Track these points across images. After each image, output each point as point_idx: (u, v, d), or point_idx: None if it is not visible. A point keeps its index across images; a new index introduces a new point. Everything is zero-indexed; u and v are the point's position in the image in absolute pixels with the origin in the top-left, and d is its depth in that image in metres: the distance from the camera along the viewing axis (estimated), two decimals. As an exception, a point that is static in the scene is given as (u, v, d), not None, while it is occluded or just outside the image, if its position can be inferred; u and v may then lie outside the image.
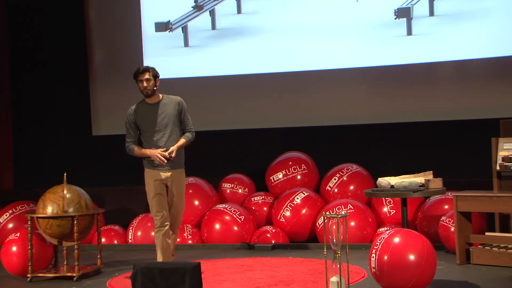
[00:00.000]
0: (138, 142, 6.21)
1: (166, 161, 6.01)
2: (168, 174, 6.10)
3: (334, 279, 4.71)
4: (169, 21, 8.94)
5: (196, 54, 8.91)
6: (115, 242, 8.13)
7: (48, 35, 9.48)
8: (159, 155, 5.99)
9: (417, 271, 4.91)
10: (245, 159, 8.80)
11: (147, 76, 6.04)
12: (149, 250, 7.39)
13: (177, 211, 6.21)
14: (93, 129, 9.36)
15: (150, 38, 9.05)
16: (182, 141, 6.12)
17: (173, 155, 6.00)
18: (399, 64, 8.26)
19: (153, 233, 6.31)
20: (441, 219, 6.87)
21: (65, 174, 6.38)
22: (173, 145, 6.06)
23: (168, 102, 6.15)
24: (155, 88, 6.10)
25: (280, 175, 8.19)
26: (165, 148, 6.05)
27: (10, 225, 8.25)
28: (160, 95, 6.18)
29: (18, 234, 6.54)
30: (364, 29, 8.36)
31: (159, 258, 6.14)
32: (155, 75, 6.10)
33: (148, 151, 6.06)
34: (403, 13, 8.16)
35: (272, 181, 8.25)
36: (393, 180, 6.28)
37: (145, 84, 6.05)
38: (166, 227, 6.10)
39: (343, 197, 7.81)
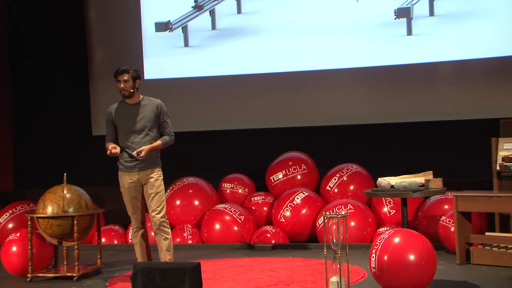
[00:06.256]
0: (115, 141, 6.07)
1: (116, 155, 5.90)
2: (138, 175, 5.99)
3: (334, 279, 4.71)
4: (169, 21, 8.94)
5: (196, 54, 8.90)
6: (115, 242, 8.14)
7: (48, 35, 9.47)
8: (109, 150, 5.91)
9: (417, 271, 4.91)
10: (245, 159, 8.79)
11: (125, 77, 5.95)
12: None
13: (155, 212, 5.94)
14: (93, 128, 9.35)
15: (150, 38, 9.05)
16: (157, 143, 5.97)
17: (142, 154, 5.85)
18: (399, 64, 8.26)
19: (130, 234, 6.30)
20: (441, 219, 6.87)
21: (65, 174, 6.38)
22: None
23: (147, 104, 6.02)
24: (132, 90, 5.99)
25: (280, 175, 8.19)
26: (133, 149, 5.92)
27: (10, 225, 8.25)
28: (141, 96, 6.07)
29: (18, 234, 6.53)
30: (364, 29, 8.36)
31: (139, 258, 6.16)
32: (135, 76, 6.00)
33: (110, 146, 5.94)
34: (403, 13, 8.16)
35: (272, 181, 8.24)
36: (393, 180, 6.28)
37: (122, 85, 5.98)
38: (144, 228, 6.13)
39: (343, 197, 7.81)
